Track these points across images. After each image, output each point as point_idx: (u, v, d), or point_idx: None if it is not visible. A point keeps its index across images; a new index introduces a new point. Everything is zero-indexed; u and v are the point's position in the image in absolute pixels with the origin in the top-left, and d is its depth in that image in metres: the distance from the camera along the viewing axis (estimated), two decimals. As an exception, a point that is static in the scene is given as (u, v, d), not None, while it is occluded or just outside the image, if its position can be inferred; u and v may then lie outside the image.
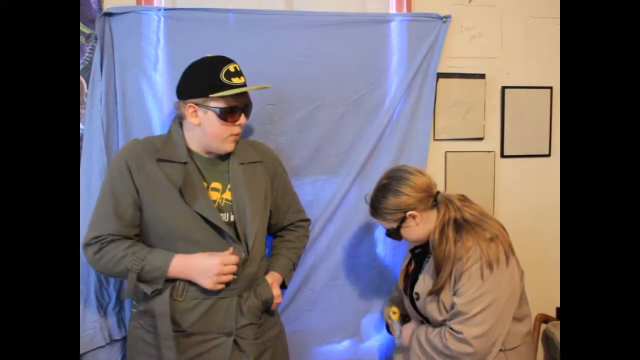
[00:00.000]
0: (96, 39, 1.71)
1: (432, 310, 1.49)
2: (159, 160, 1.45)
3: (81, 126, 1.75)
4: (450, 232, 1.45)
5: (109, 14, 1.71)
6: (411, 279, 1.60)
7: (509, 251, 1.44)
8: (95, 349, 1.73)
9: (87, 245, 1.44)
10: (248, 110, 1.51)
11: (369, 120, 1.92)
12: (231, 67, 1.44)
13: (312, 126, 1.88)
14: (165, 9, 1.76)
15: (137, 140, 1.55)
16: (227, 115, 1.44)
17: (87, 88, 1.74)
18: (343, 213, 1.92)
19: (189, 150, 1.50)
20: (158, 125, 1.76)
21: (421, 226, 1.51)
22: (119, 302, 1.77)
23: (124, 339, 1.75)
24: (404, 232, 1.53)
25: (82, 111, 1.75)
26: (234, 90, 1.42)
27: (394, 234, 1.54)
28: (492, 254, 1.41)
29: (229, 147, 1.50)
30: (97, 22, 1.69)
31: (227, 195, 1.51)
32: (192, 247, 1.44)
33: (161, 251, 1.44)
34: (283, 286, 1.66)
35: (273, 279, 1.59)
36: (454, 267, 1.43)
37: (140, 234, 1.49)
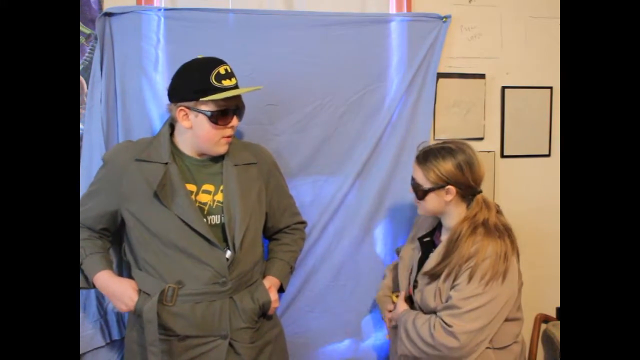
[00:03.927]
0: (96, 39, 1.71)
1: (428, 293, 1.49)
2: (138, 160, 1.45)
3: (81, 126, 1.75)
4: (480, 231, 1.45)
5: (109, 14, 1.70)
6: (418, 266, 1.59)
7: (509, 267, 1.44)
8: (94, 349, 1.72)
9: None
10: (240, 112, 1.49)
11: (369, 120, 1.91)
12: (221, 69, 1.42)
13: (312, 126, 1.87)
14: (165, 9, 1.76)
15: (128, 142, 1.56)
16: (218, 118, 1.43)
17: (87, 88, 1.74)
18: (344, 214, 1.92)
19: (179, 152, 1.50)
20: (158, 125, 1.76)
21: (444, 204, 1.50)
22: None
23: (123, 339, 1.75)
24: (429, 196, 1.50)
25: (82, 111, 1.75)
26: (224, 93, 1.40)
27: (421, 192, 1.51)
28: (501, 266, 1.41)
29: (221, 149, 1.49)
30: (97, 22, 1.69)
31: (219, 197, 1.50)
32: (183, 256, 1.43)
33: (96, 261, 1.50)
34: (281, 290, 1.66)
35: (270, 283, 1.59)
36: (462, 263, 1.43)
37: (131, 244, 1.50)
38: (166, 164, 1.45)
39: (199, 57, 1.47)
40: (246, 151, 1.59)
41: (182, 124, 1.44)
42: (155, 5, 1.80)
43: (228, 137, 1.48)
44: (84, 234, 1.53)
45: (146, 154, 1.46)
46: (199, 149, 1.49)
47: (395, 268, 1.84)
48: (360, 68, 1.89)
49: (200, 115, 1.42)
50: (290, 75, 1.84)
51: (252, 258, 1.54)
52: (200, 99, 1.40)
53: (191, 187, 1.48)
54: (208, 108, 1.42)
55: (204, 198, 1.49)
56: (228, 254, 1.46)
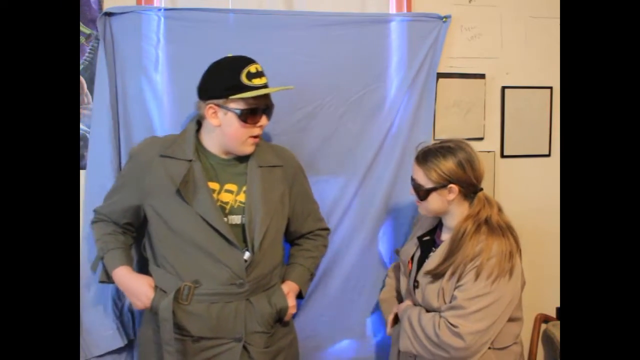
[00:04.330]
0: (97, 39, 1.71)
1: (431, 293, 1.48)
2: (163, 156, 1.45)
3: (81, 126, 1.75)
4: (483, 230, 1.45)
5: (109, 14, 1.70)
6: (417, 266, 1.58)
7: (515, 265, 1.44)
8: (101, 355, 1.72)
9: (93, 211, 1.61)
10: (269, 112, 1.49)
11: (369, 120, 1.91)
12: (252, 68, 1.43)
13: (313, 126, 1.87)
14: (165, 9, 1.75)
15: (154, 137, 1.57)
16: (247, 116, 1.42)
17: (87, 88, 1.74)
18: (352, 216, 1.91)
19: (204, 149, 1.49)
20: (158, 125, 1.76)
21: (446, 203, 1.49)
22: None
23: (132, 341, 1.76)
24: (432, 196, 1.49)
25: (82, 111, 1.75)
26: (254, 92, 1.40)
27: (423, 192, 1.50)
28: (506, 265, 1.41)
29: (248, 149, 1.48)
30: (98, 22, 1.69)
31: (241, 197, 1.49)
32: (201, 255, 1.43)
33: (117, 256, 1.51)
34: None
35: (289, 288, 1.58)
36: (467, 262, 1.42)
37: (151, 239, 1.51)
38: (190, 161, 1.45)
39: (229, 55, 1.47)
40: (272, 153, 1.58)
41: (211, 121, 1.44)
42: (155, 5, 1.80)
43: (255, 137, 1.47)
44: (108, 228, 1.55)
45: (171, 150, 1.46)
46: (225, 148, 1.49)
47: (397, 268, 1.84)
48: (360, 68, 1.89)
49: (230, 113, 1.42)
50: (291, 75, 1.82)
51: (271, 261, 1.52)
52: (230, 97, 1.40)
53: (214, 185, 1.47)
54: (238, 106, 1.41)
55: (225, 197, 1.48)
56: (247, 255, 1.45)
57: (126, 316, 1.74)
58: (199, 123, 1.52)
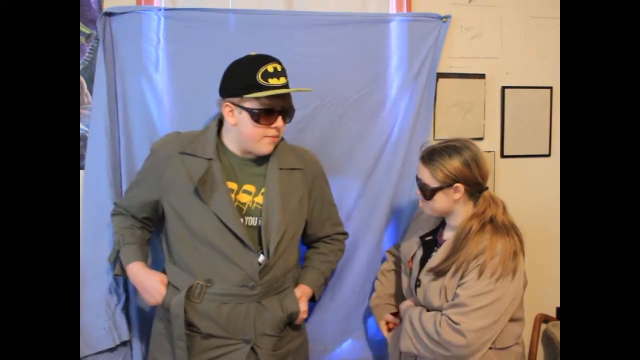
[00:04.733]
0: (97, 39, 1.71)
1: (433, 291, 1.48)
2: (183, 153, 1.45)
3: (81, 126, 1.75)
4: (487, 229, 1.45)
5: (109, 14, 1.70)
6: (420, 265, 1.58)
7: (518, 265, 1.44)
8: (96, 353, 1.71)
9: (114, 203, 1.64)
10: (287, 114, 1.45)
11: (369, 120, 1.91)
12: (270, 67, 1.40)
13: (313, 126, 1.87)
14: (166, 9, 1.75)
15: (177, 133, 1.56)
16: (260, 117, 1.39)
17: (87, 88, 1.74)
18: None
19: (225, 148, 1.48)
20: (159, 125, 1.76)
21: (452, 203, 1.50)
22: (127, 303, 1.75)
23: (128, 342, 1.75)
24: (437, 196, 1.49)
25: (82, 111, 1.75)
26: (267, 92, 1.37)
27: (429, 191, 1.50)
28: (510, 264, 1.41)
29: (264, 149, 1.46)
30: (98, 22, 1.69)
31: (259, 199, 1.48)
32: (215, 255, 1.42)
33: (132, 251, 1.51)
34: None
35: (302, 292, 1.57)
36: (470, 260, 1.42)
37: (167, 236, 1.51)
38: (210, 159, 1.44)
39: (252, 53, 1.46)
40: (293, 155, 1.56)
41: (228, 120, 1.43)
42: (155, 5, 1.80)
43: (272, 137, 1.44)
44: (126, 222, 1.55)
45: (191, 148, 1.46)
46: (243, 147, 1.47)
47: (389, 272, 1.83)
48: (360, 68, 1.88)
49: (244, 112, 1.40)
50: (290, 75, 1.82)
51: (286, 264, 1.51)
52: (245, 96, 1.38)
53: (232, 185, 1.47)
54: (252, 105, 1.39)
55: (243, 198, 1.47)
56: (261, 258, 1.44)
57: (119, 317, 1.72)
58: (221, 121, 1.50)
